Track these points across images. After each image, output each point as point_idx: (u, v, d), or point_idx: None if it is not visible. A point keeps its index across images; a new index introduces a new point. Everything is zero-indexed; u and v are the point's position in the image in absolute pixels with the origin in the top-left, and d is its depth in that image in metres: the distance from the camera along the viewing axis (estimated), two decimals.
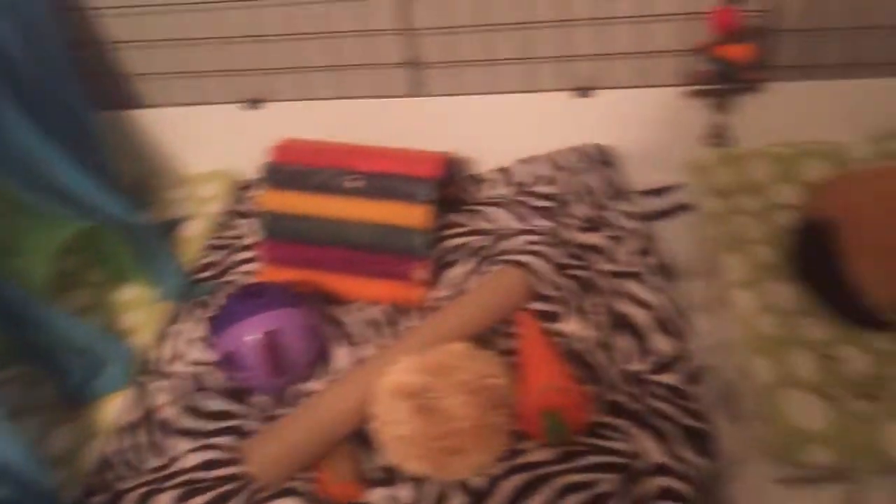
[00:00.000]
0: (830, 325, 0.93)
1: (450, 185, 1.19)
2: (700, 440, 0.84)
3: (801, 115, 1.19)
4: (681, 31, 1.17)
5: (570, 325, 0.98)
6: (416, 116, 1.26)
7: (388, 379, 0.84)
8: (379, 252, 1.09)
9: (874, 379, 0.87)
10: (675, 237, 1.13)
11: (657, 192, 1.21)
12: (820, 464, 0.81)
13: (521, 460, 0.83)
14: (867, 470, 0.81)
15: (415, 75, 1.26)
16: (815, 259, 0.95)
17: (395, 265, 1.08)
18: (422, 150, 1.16)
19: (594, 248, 1.08)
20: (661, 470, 0.80)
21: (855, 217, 0.91)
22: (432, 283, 1.09)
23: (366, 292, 1.10)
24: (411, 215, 1.08)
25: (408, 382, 0.82)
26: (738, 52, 1.12)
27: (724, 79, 1.15)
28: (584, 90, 1.22)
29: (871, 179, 0.95)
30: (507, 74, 1.24)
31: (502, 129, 1.26)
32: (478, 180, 1.28)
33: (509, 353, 0.95)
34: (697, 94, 1.18)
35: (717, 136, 1.21)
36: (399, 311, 1.07)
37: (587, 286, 1.02)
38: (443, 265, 1.11)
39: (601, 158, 1.23)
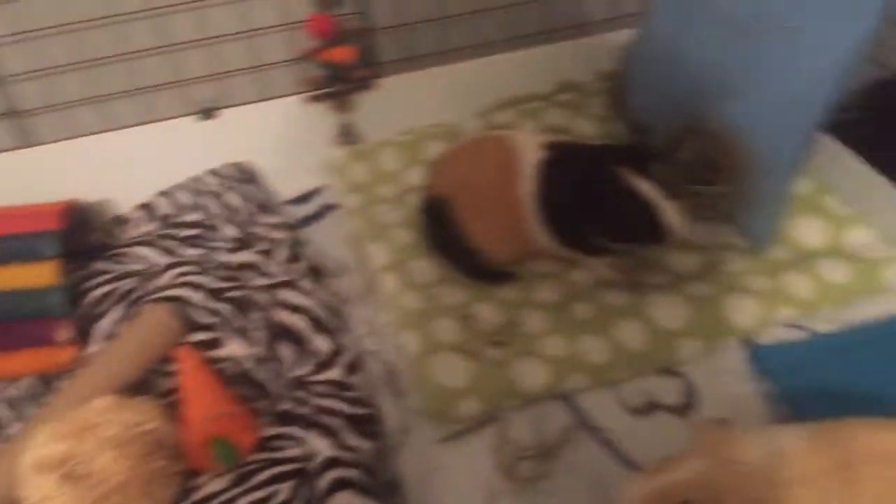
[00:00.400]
0: (464, 288, 1.03)
1: (84, 234, 1.12)
2: (365, 425, 0.89)
3: (416, 103, 1.30)
4: (287, 42, 1.21)
5: (232, 348, 0.97)
6: (29, 169, 1.17)
7: (28, 455, 0.78)
8: (11, 321, 1.00)
9: (504, 327, 0.98)
10: (325, 238, 1.17)
11: (302, 198, 1.24)
12: (471, 415, 0.90)
13: (196, 496, 0.82)
14: (509, 408, 0.91)
15: (17, 125, 1.17)
16: (439, 232, 1.04)
17: (33, 331, 1.00)
18: (38, 204, 1.08)
19: (247, 266, 1.08)
20: (333, 463, 0.84)
21: (462, 187, 1.01)
22: (81, 340, 1.02)
23: (5, 369, 1.00)
24: (39, 275, 1.00)
25: (49, 454, 0.76)
26: (341, 54, 1.19)
27: (335, 81, 1.22)
28: (207, 112, 1.22)
29: (469, 151, 1.06)
30: (123, 109, 1.20)
31: (134, 165, 1.22)
32: (121, 221, 1.22)
33: (170, 392, 0.93)
34: (316, 98, 1.24)
35: (346, 135, 1.28)
36: (47, 379, 0.99)
37: (244, 305, 1.03)
38: (92, 319, 1.05)
39: (242, 176, 1.24)
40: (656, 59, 1.09)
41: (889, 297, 0.98)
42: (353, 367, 0.95)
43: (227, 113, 1.23)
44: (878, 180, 1.04)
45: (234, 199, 1.19)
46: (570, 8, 1.38)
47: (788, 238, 1.06)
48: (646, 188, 0.91)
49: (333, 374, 0.94)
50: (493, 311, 1.00)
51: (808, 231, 1.05)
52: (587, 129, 1.29)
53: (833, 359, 0.92)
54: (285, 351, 0.97)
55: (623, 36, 1.25)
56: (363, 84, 1.25)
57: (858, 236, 1.03)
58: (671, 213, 0.91)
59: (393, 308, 1.01)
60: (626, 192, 0.91)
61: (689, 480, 0.69)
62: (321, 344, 0.97)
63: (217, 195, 1.20)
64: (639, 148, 1.00)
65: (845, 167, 1.08)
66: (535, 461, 0.86)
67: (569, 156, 0.99)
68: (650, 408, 0.92)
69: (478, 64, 1.32)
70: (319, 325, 0.99)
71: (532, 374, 0.92)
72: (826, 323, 0.97)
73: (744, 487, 0.67)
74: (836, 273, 0.99)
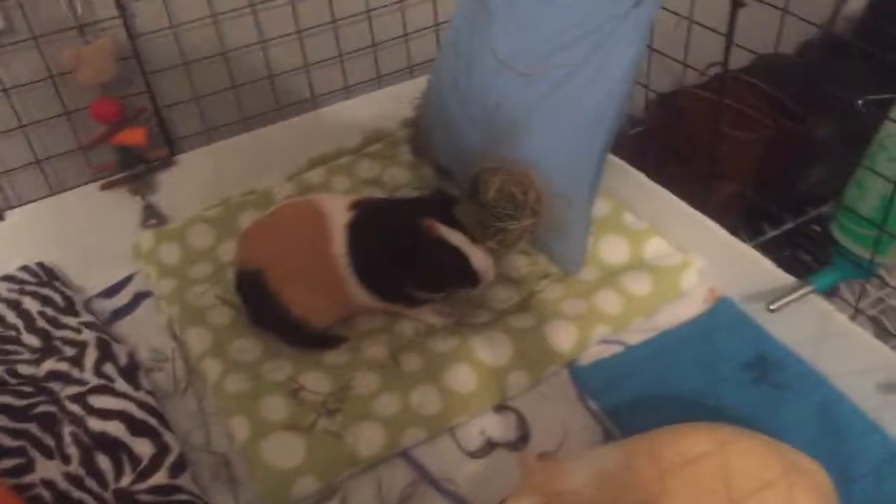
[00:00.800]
0: (290, 360, 1.01)
1: None
2: None
3: (223, 174, 1.27)
4: (72, 130, 1.15)
5: (43, 471, 0.90)
6: None
7: None
8: None
9: (335, 394, 0.96)
10: (140, 329, 1.11)
11: (112, 290, 1.18)
12: (309, 493, 0.87)
13: None
14: (348, 477, 0.89)
15: None
16: (257, 306, 1.02)
17: None
18: None
19: (54, 376, 1.01)
20: None
21: (274, 257, 1.00)
22: None
23: None
24: None
25: None
26: (131, 136, 1.14)
27: (131, 164, 1.17)
28: None
29: (277, 220, 1.04)
30: None
31: None
32: None
33: None
34: (113, 184, 1.18)
35: (151, 218, 1.23)
36: None
37: (54, 420, 0.95)
38: None
39: (40, 279, 1.15)
40: (446, 105, 1.13)
41: (687, 300, 1.05)
42: (179, 467, 0.90)
43: (15, 214, 1.14)
44: (662, 193, 1.11)
45: (32, 304, 1.11)
46: (365, 63, 1.40)
47: (596, 258, 1.11)
48: (454, 237, 0.94)
49: (158, 478, 0.88)
50: (323, 378, 0.98)
51: (611, 249, 1.11)
52: (400, 177, 1.30)
53: (646, 367, 0.97)
54: (104, 463, 0.91)
55: (422, 83, 1.28)
56: (162, 163, 1.20)
57: (655, 248, 1.10)
58: (480, 257, 0.94)
59: (218, 395, 0.97)
60: (435, 243, 0.93)
61: None
62: (142, 448, 0.91)
63: (14, 303, 1.11)
64: (443, 196, 1.03)
65: (635, 184, 1.15)
66: None
67: (375, 213, 1.00)
68: (488, 448, 0.93)
69: (281, 127, 1.31)
70: (138, 428, 0.93)
71: (369, 438, 0.91)
72: (637, 334, 1.02)
73: None
74: (640, 285, 1.05)
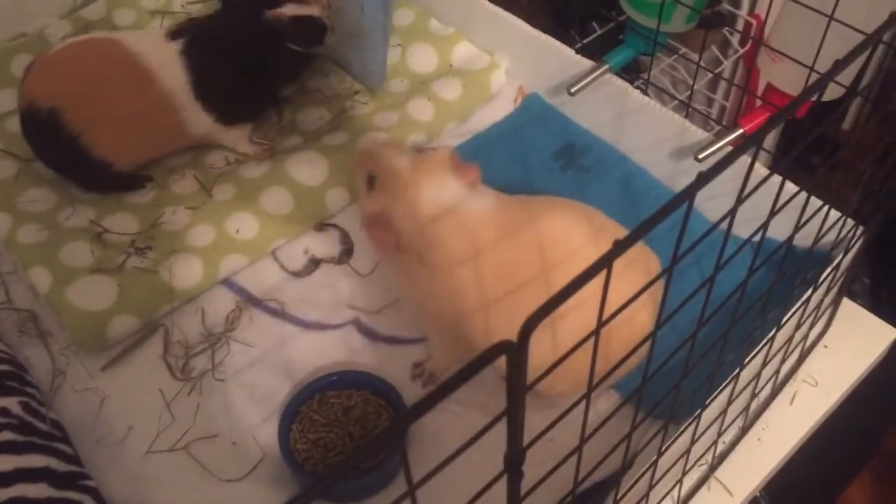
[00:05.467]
0: (91, 205, 0.94)
1: None
2: (5, 382, 0.79)
3: None
4: None
5: None
6: None
7: None
8: None
9: (143, 232, 0.91)
10: None
11: None
12: (128, 332, 0.84)
13: None
14: (169, 311, 0.86)
15: None
16: (50, 149, 0.92)
17: None
18: None
19: None
20: None
21: (74, 95, 0.89)
22: None
23: None
24: None
25: None
26: None
27: None
28: None
29: (75, 56, 0.92)
30: None
31: None
32: None
33: None
34: None
35: None
36: None
37: None
38: None
39: None
40: None
41: (498, 101, 1.06)
42: None
43: None
44: None
45: None
46: None
47: (405, 69, 1.08)
48: (293, 9, 0.93)
49: None
50: (129, 219, 0.93)
51: (420, 58, 1.09)
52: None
53: None
54: None
55: None
56: None
57: (462, 52, 1.09)
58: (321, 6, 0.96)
59: (12, 249, 0.89)
60: (287, 23, 0.93)
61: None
62: None
63: None
64: None
65: None
66: (206, 353, 0.84)
67: (207, 30, 0.94)
68: (312, 265, 0.92)
69: None
70: None
71: (185, 270, 0.88)
72: (452, 139, 1.02)
73: None
74: (451, 91, 1.04)
